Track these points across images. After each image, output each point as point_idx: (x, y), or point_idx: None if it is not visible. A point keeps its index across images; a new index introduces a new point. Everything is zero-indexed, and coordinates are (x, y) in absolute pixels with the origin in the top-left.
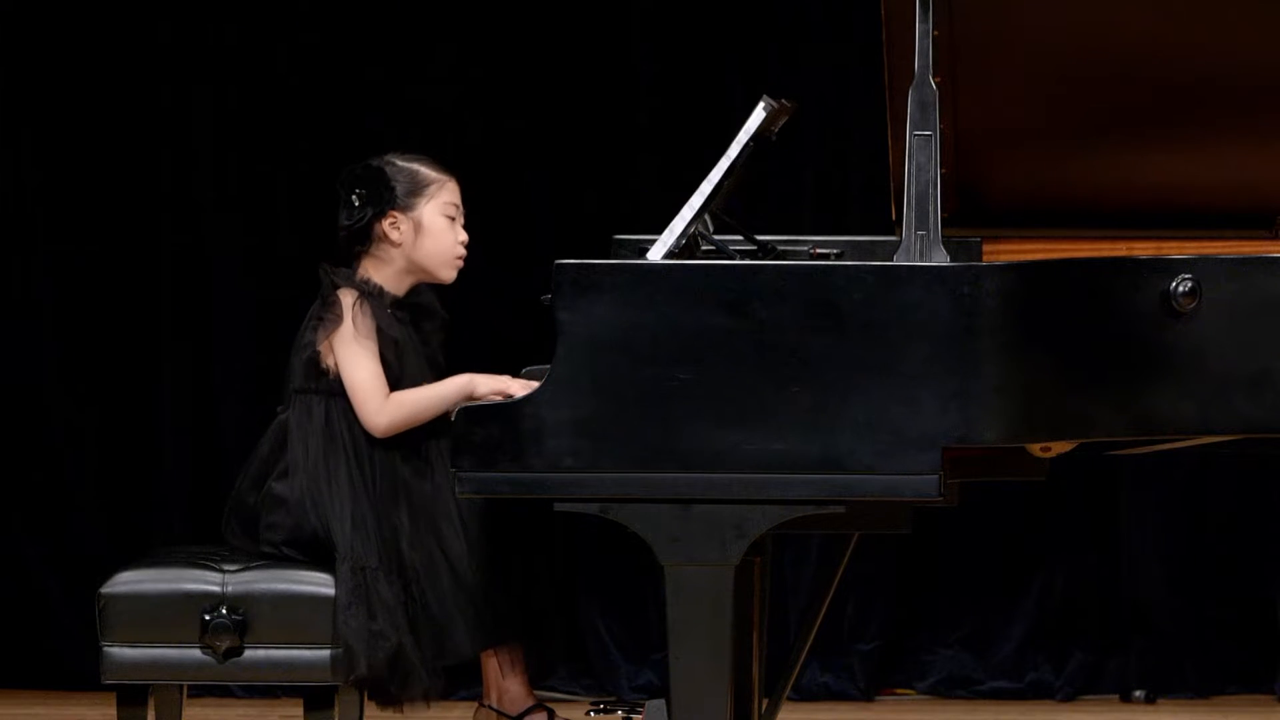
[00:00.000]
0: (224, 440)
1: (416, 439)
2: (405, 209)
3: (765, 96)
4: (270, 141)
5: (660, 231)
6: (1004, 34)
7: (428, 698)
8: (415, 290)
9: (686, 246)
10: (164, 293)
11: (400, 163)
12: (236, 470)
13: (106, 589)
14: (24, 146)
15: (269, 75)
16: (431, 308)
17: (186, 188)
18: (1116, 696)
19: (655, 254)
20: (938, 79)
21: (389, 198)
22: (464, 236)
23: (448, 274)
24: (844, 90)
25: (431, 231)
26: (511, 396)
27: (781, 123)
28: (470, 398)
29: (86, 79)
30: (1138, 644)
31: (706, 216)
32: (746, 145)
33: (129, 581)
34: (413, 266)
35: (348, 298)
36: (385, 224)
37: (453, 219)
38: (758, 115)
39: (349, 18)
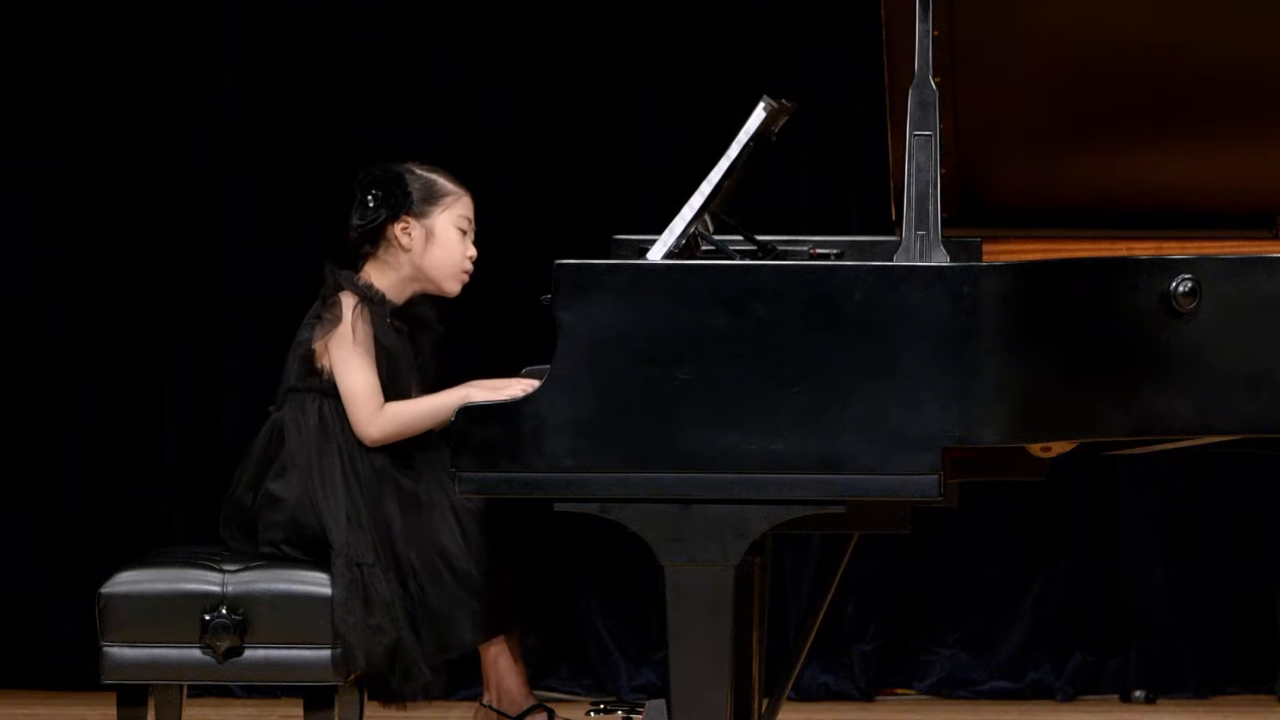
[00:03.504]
0: (224, 440)
1: (405, 446)
2: (419, 216)
3: (765, 96)
4: (271, 141)
5: (660, 231)
6: (1004, 34)
7: (428, 691)
8: (414, 301)
9: (686, 246)
10: (164, 291)
11: (419, 170)
12: (235, 471)
13: (106, 589)
14: (24, 145)
15: (271, 72)
16: (428, 320)
17: (187, 186)
18: (1116, 696)
19: (655, 254)
20: (938, 79)
21: (405, 202)
22: (473, 251)
23: (452, 286)
24: (844, 90)
25: (442, 241)
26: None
27: (781, 123)
28: None
29: (89, 73)
30: (1138, 644)
31: (706, 216)
32: (746, 145)
33: (129, 581)
34: (419, 275)
35: (349, 301)
36: (397, 228)
37: (464, 232)
38: (758, 115)
39: (351, 15)
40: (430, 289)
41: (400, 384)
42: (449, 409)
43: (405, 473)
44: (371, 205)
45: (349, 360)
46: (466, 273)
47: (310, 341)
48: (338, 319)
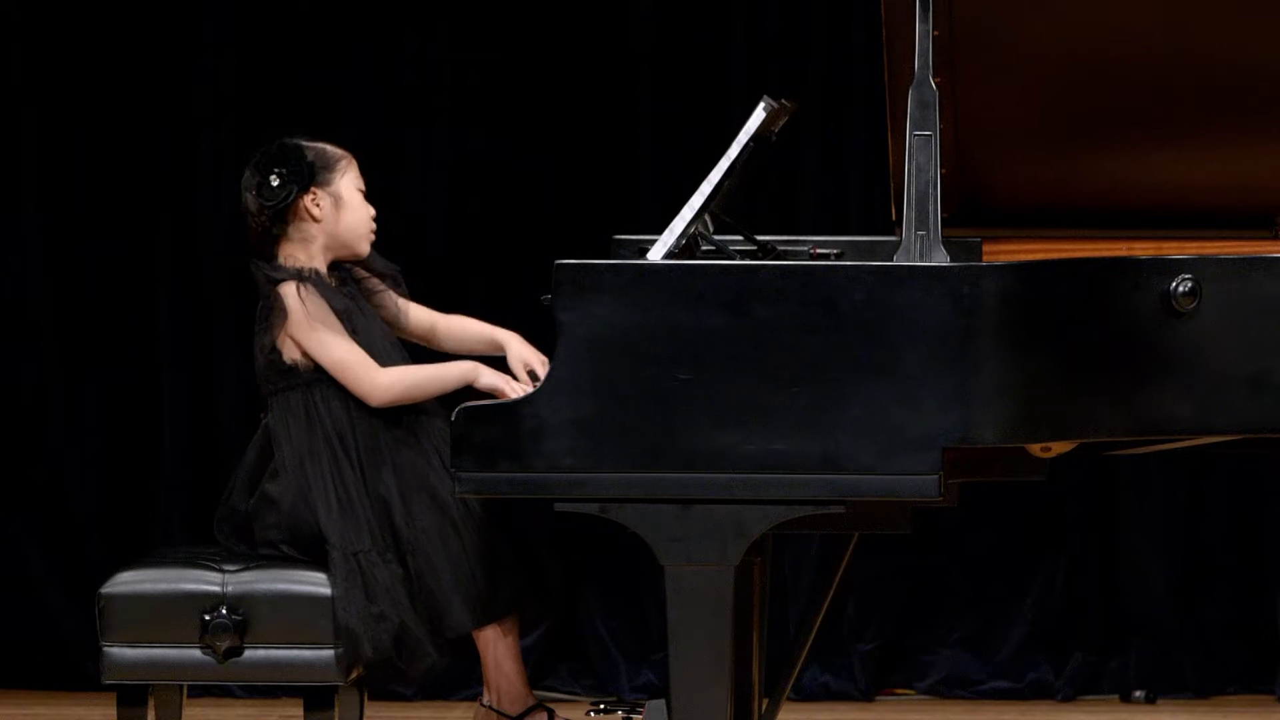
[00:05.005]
0: (224, 441)
1: (397, 412)
2: (323, 184)
3: (765, 97)
4: (268, 142)
5: (660, 231)
6: (1004, 34)
7: (434, 672)
8: (336, 265)
9: (686, 246)
10: (163, 291)
11: (306, 143)
12: (230, 476)
13: (106, 589)
14: (24, 144)
15: (269, 67)
16: (383, 268)
17: (187, 187)
18: (1116, 697)
19: (655, 254)
20: (938, 79)
21: (309, 174)
22: (372, 211)
23: (364, 247)
24: (844, 90)
25: (350, 204)
26: (506, 397)
27: (781, 123)
28: (471, 385)
29: (87, 72)
30: (1138, 644)
31: (706, 216)
32: (746, 145)
33: (129, 581)
34: (332, 242)
35: (288, 288)
36: (307, 200)
37: (363, 193)
38: (758, 115)
39: (347, 8)
40: (344, 254)
41: (365, 340)
42: (454, 379)
43: (402, 442)
44: (278, 184)
45: (321, 338)
46: (373, 232)
47: (271, 344)
48: (285, 310)
